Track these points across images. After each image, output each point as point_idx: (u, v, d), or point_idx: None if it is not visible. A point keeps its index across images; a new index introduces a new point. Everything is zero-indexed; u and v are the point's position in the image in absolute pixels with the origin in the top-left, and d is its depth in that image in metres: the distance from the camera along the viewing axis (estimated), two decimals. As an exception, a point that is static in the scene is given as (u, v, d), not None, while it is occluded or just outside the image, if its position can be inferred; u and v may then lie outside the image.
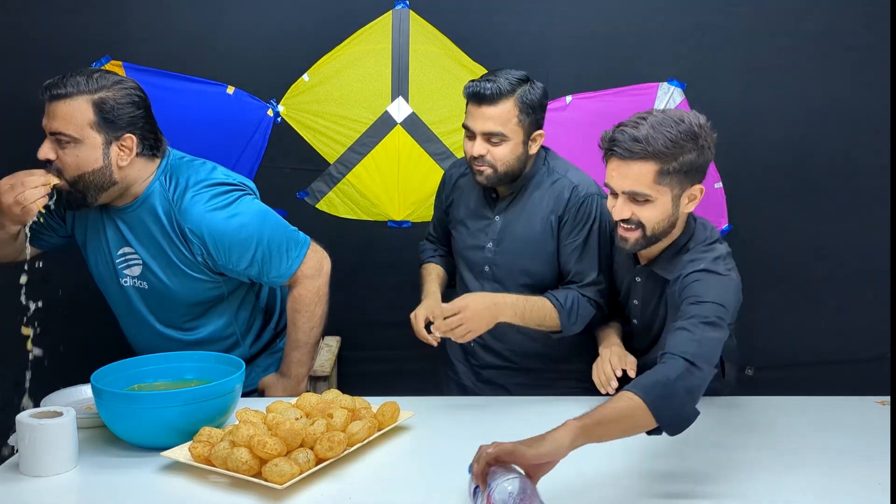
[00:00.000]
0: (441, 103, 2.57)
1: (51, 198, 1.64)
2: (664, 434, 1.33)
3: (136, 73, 2.50)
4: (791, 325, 2.71)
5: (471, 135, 1.82)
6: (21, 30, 2.46)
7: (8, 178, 1.63)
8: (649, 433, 1.32)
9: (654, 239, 1.60)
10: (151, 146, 1.72)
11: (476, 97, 1.77)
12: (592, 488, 1.31)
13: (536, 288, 1.87)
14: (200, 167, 1.78)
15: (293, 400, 1.54)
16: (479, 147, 1.80)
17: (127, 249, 1.78)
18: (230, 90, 2.56)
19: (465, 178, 2.00)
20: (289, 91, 2.58)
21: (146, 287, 1.79)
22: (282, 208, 2.25)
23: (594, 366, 1.69)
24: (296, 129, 2.60)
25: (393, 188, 2.60)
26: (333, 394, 1.56)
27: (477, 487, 1.19)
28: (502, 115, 1.77)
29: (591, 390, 1.69)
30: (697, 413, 1.33)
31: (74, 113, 1.62)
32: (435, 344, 1.79)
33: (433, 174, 2.53)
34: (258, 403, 1.55)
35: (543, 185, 1.88)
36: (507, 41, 2.56)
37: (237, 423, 1.37)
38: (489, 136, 1.79)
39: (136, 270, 1.78)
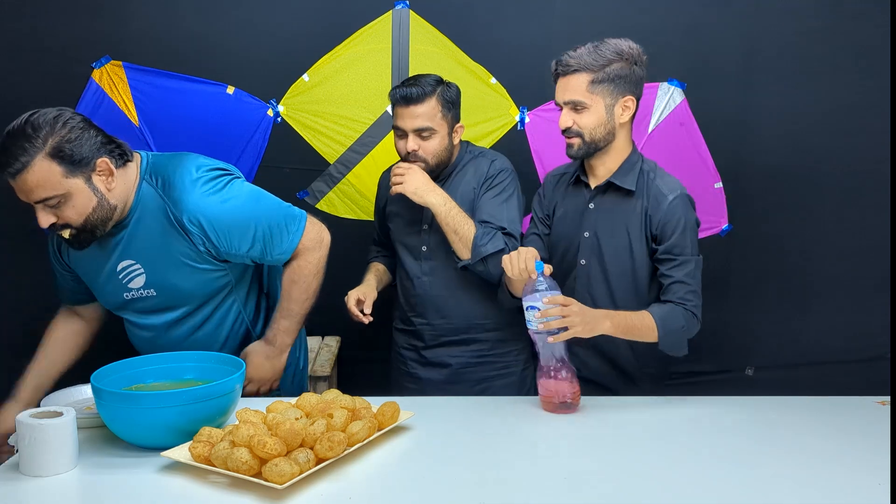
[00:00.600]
0: (441, 103, 2.57)
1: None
2: (663, 433, 1.36)
3: (136, 73, 2.50)
4: (791, 325, 2.71)
5: (402, 134, 2.06)
6: (21, 30, 2.46)
7: None
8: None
9: (594, 146, 1.82)
10: (120, 154, 1.69)
11: (405, 99, 2.02)
12: (591, 488, 1.31)
13: None
14: (183, 158, 1.75)
15: (293, 400, 1.54)
16: (412, 143, 2.04)
17: (125, 263, 1.75)
18: (230, 90, 2.56)
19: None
20: (289, 91, 2.58)
21: (154, 294, 1.78)
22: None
23: (507, 259, 1.72)
24: (296, 129, 2.60)
25: (393, 188, 2.61)
26: (333, 394, 1.56)
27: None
28: (428, 111, 2.03)
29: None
30: (686, 351, 1.79)
31: (42, 176, 1.56)
32: (366, 322, 2.01)
33: (433, 174, 2.53)
34: (258, 403, 1.55)
35: (468, 167, 2.14)
36: (507, 41, 2.56)
37: (237, 423, 1.37)
38: (420, 132, 2.04)
39: (140, 281, 1.76)
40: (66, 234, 1.65)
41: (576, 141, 1.83)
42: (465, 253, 2.00)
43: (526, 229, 2.08)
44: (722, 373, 2.72)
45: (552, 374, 1.67)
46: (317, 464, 1.32)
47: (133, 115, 2.51)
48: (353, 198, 2.63)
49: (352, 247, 2.56)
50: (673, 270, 1.78)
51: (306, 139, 2.61)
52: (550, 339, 1.64)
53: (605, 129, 1.81)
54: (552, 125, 2.08)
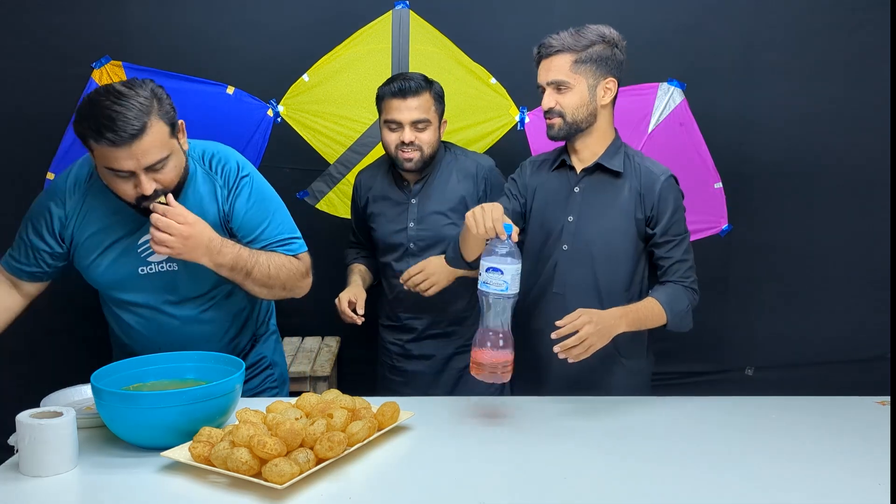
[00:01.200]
0: (441, 103, 2.57)
1: None
2: (663, 433, 1.34)
3: (135, 73, 2.50)
4: (791, 325, 2.72)
5: (396, 126, 2.12)
6: (21, 30, 2.46)
7: None
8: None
9: (576, 127, 1.82)
10: None
11: (401, 92, 2.09)
12: (591, 488, 1.31)
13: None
14: (218, 151, 1.77)
15: (293, 400, 1.54)
16: (409, 134, 2.10)
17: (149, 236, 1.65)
18: (230, 90, 2.56)
19: (373, 179, 2.29)
20: (289, 91, 2.58)
21: (175, 269, 1.72)
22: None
23: (471, 215, 1.63)
24: (296, 129, 2.60)
25: (393, 188, 2.60)
26: (333, 394, 1.56)
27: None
28: (424, 104, 2.11)
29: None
30: (691, 325, 1.82)
31: (158, 137, 1.55)
32: (359, 322, 2.05)
33: (433, 174, 2.53)
34: (258, 403, 1.55)
35: (450, 165, 2.22)
36: (507, 41, 2.56)
37: (237, 423, 1.37)
38: (416, 124, 2.11)
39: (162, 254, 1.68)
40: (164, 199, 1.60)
41: (557, 121, 1.83)
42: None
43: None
44: (722, 373, 2.72)
45: (492, 340, 1.57)
46: (317, 464, 1.32)
47: (133, 115, 2.51)
48: (353, 198, 2.63)
49: (352, 247, 2.57)
50: (672, 251, 1.81)
51: (306, 139, 2.61)
52: (571, 359, 1.61)
53: (588, 109, 1.82)
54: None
